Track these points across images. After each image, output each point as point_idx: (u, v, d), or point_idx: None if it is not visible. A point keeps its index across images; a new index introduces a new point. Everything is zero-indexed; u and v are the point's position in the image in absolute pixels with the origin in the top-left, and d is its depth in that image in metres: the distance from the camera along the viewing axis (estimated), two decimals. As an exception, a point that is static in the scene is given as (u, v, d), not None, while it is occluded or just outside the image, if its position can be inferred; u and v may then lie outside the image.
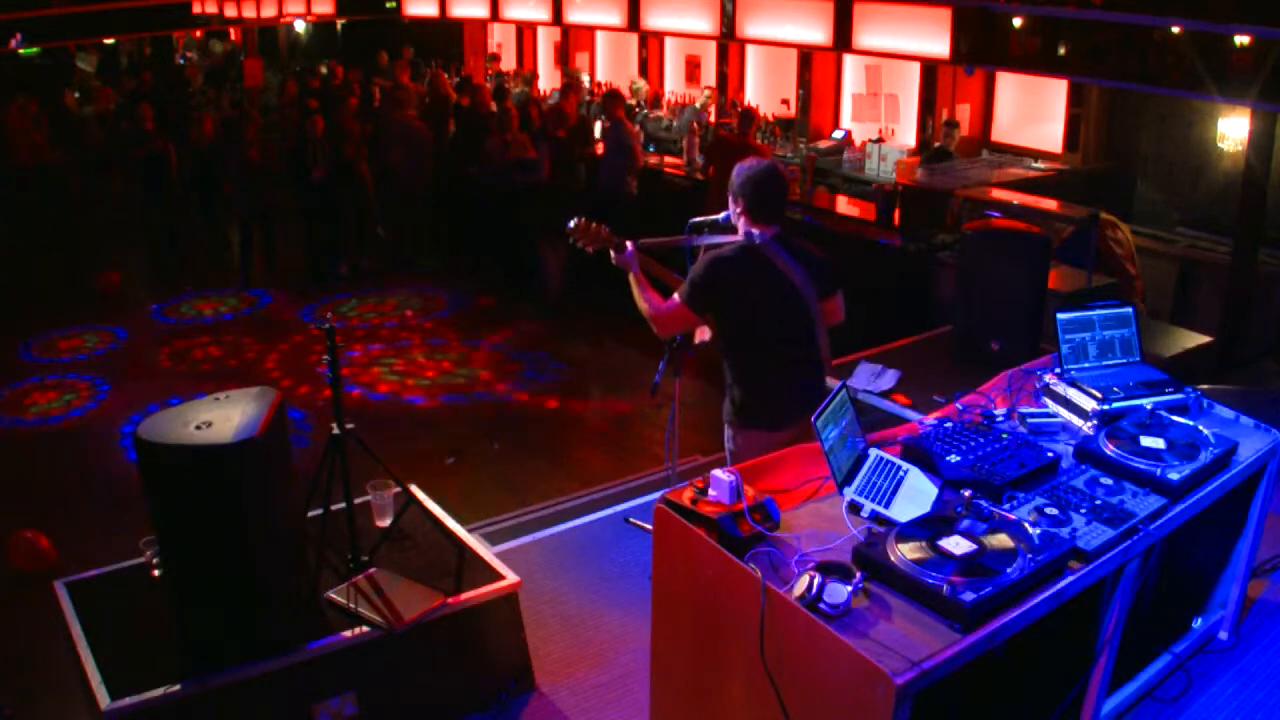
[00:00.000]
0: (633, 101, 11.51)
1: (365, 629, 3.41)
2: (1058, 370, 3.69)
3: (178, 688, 3.11)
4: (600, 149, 9.72)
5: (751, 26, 9.78)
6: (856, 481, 2.99)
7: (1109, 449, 3.15)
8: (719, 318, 3.75)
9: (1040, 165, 9.16)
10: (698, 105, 11.04)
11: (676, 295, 3.74)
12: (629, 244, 3.87)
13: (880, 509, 2.87)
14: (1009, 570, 2.54)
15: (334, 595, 3.53)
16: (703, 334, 4.11)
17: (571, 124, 9.60)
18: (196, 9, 18.22)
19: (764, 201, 3.71)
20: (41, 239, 11.59)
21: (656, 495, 3.56)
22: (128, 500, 5.87)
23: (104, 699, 3.05)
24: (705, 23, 10.12)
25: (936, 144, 9.03)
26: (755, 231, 3.72)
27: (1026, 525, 2.71)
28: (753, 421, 3.78)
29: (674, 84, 12.37)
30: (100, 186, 13.22)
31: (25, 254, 11.06)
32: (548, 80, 14.16)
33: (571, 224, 3.90)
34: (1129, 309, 3.85)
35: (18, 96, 12.27)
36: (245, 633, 3.24)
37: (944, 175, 8.34)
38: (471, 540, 3.98)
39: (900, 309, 7.34)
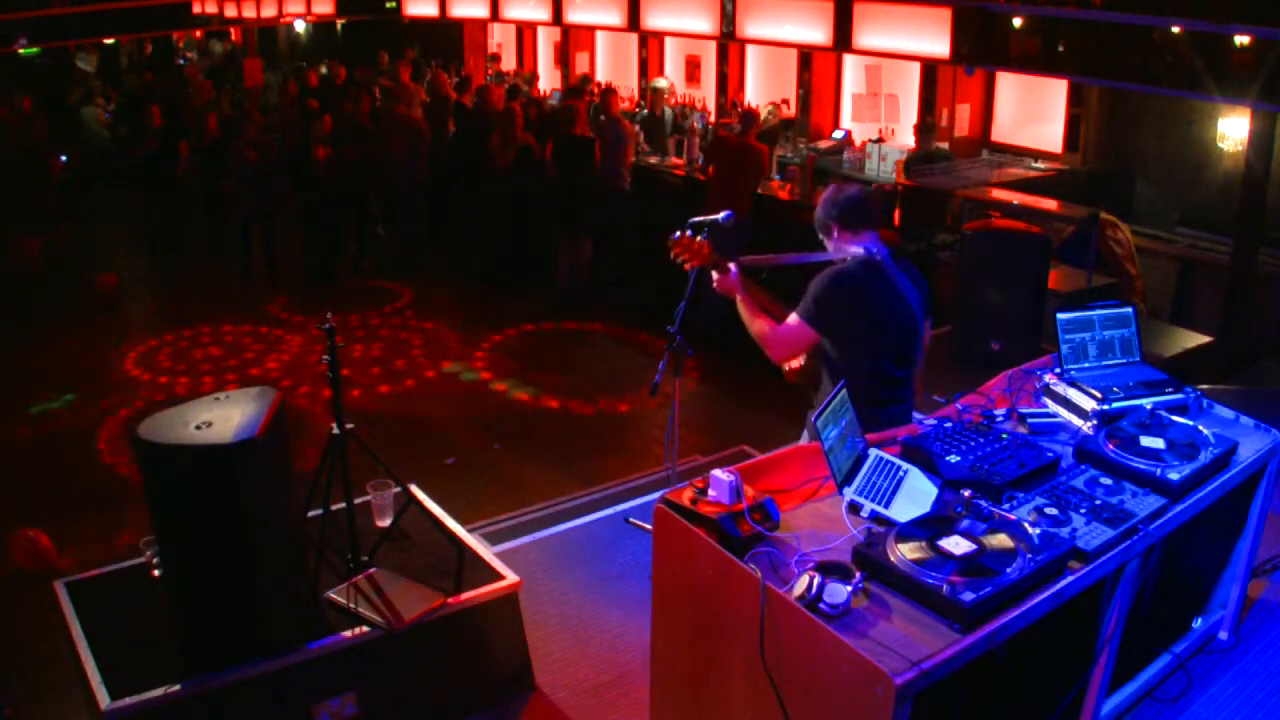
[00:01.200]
0: (669, 102, 11.47)
1: (365, 629, 3.41)
2: (1058, 370, 3.70)
3: (178, 688, 3.11)
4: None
5: (751, 26, 9.78)
6: (856, 481, 2.99)
7: (1109, 449, 3.15)
8: (835, 335, 3.63)
9: (1040, 165, 9.16)
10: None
11: (795, 315, 3.61)
12: (732, 265, 3.71)
13: (880, 509, 2.87)
14: (1009, 570, 2.54)
15: (334, 595, 3.53)
16: (796, 360, 3.97)
17: (581, 123, 9.63)
18: (196, 9, 18.22)
19: (856, 213, 3.64)
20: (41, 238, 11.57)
21: (656, 495, 3.56)
22: (128, 500, 5.88)
23: (104, 699, 3.05)
24: (705, 23, 10.13)
25: (920, 149, 9.00)
26: (873, 247, 3.62)
27: (1026, 525, 2.71)
28: None
29: (673, 83, 12.37)
30: (101, 186, 13.20)
31: (26, 252, 11.04)
32: (548, 80, 14.17)
33: (675, 235, 3.76)
34: (1129, 309, 3.85)
35: (13, 96, 12.27)
36: (245, 633, 3.24)
37: (940, 175, 8.34)
38: (471, 540, 3.98)
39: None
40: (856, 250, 3.64)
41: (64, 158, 11.35)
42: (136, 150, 10.58)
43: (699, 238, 3.76)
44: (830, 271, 3.61)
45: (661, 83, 11.56)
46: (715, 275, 3.76)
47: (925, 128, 8.97)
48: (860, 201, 3.69)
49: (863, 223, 3.67)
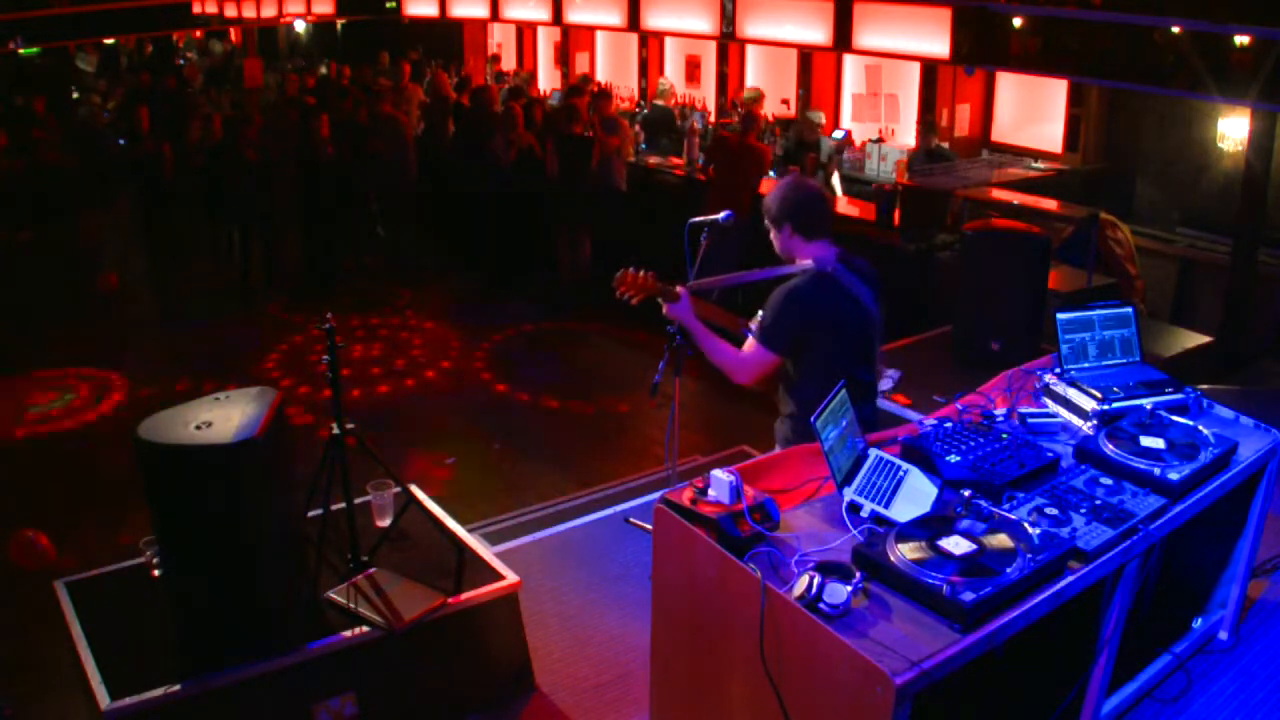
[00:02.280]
0: (661, 102, 11.42)
1: (365, 629, 3.41)
2: (1058, 370, 3.69)
3: (178, 688, 3.11)
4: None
5: (751, 26, 9.78)
6: (856, 481, 2.99)
7: (1109, 449, 3.15)
8: (796, 353, 3.61)
9: (1040, 165, 9.16)
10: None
11: (754, 340, 3.59)
12: (681, 290, 3.68)
13: (880, 509, 2.87)
14: (1009, 570, 2.54)
15: (334, 595, 3.53)
16: None
17: (584, 122, 9.64)
18: (196, 9, 18.23)
19: (812, 218, 3.61)
20: (41, 238, 11.58)
21: (656, 495, 3.56)
22: (128, 500, 5.88)
23: (104, 699, 3.06)
24: (705, 23, 10.13)
25: (921, 146, 8.97)
26: (824, 257, 3.60)
27: (1026, 525, 2.71)
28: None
29: (674, 84, 12.36)
30: (101, 188, 13.21)
31: (24, 253, 11.06)
32: (547, 80, 14.17)
33: (618, 274, 3.75)
34: (1129, 309, 3.85)
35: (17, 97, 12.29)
36: (245, 633, 3.24)
37: (943, 175, 8.34)
38: (471, 540, 3.98)
39: (900, 309, 7.33)
40: (806, 262, 3.60)
41: (121, 140, 11.47)
42: (134, 151, 10.60)
43: (643, 271, 3.71)
44: (783, 291, 3.57)
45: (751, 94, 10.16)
46: (664, 304, 3.71)
47: (926, 125, 8.96)
48: (817, 208, 3.64)
49: (817, 230, 3.62)
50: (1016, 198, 7.49)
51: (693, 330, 3.67)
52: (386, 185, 10.41)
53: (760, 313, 3.64)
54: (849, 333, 3.62)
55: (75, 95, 15.23)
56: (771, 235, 3.71)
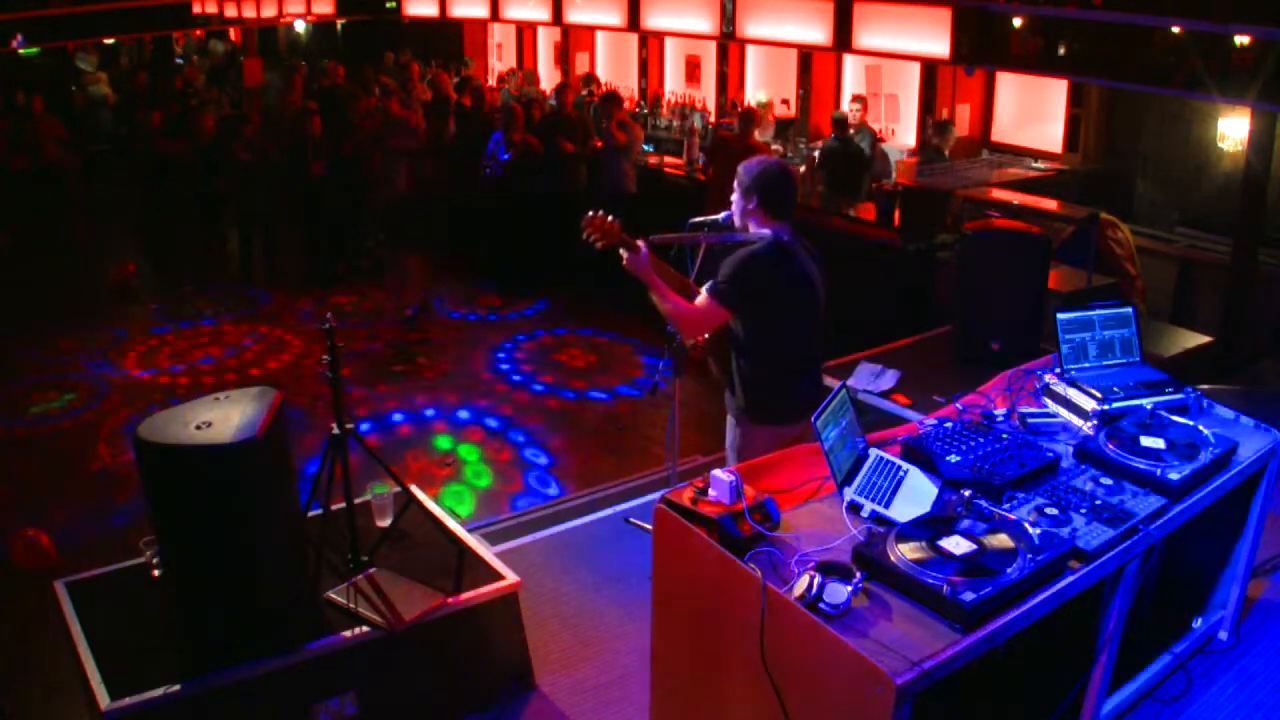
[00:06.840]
0: (691, 106, 11.39)
1: (365, 629, 3.41)
2: (1058, 370, 3.70)
3: (178, 688, 3.11)
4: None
5: (751, 26, 9.79)
6: (856, 481, 2.99)
7: (1109, 449, 3.16)
8: (744, 314, 3.73)
9: (1040, 165, 9.16)
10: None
11: (706, 294, 3.70)
12: (642, 244, 3.76)
13: (880, 509, 2.87)
14: (1009, 570, 2.54)
15: (334, 595, 3.53)
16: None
17: (535, 128, 9.67)
18: (196, 9, 18.22)
19: (780, 198, 3.75)
20: (42, 237, 11.57)
21: (656, 495, 3.56)
22: (128, 500, 5.88)
23: (104, 699, 3.05)
24: (705, 23, 10.13)
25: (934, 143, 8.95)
26: (780, 229, 3.74)
27: (1026, 525, 2.71)
28: (763, 417, 3.79)
29: (674, 84, 12.37)
30: (101, 185, 13.21)
31: (26, 253, 11.05)
32: (548, 80, 14.16)
33: (588, 214, 3.81)
34: (1129, 309, 3.85)
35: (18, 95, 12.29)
36: (245, 633, 3.24)
37: (942, 175, 8.33)
38: (471, 540, 3.98)
39: (900, 309, 7.34)
40: (765, 232, 3.76)
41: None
42: (137, 146, 10.59)
43: (610, 217, 3.78)
44: (743, 253, 3.71)
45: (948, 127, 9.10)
46: (625, 254, 3.79)
47: (940, 125, 8.91)
48: (788, 190, 3.79)
49: (782, 210, 3.78)
50: (1016, 198, 7.49)
51: (649, 283, 3.75)
52: (392, 188, 10.42)
53: (719, 271, 3.76)
54: (798, 304, 3.75)
55: (74, 88, 15.25)
56: (735, 201, 3.83)
